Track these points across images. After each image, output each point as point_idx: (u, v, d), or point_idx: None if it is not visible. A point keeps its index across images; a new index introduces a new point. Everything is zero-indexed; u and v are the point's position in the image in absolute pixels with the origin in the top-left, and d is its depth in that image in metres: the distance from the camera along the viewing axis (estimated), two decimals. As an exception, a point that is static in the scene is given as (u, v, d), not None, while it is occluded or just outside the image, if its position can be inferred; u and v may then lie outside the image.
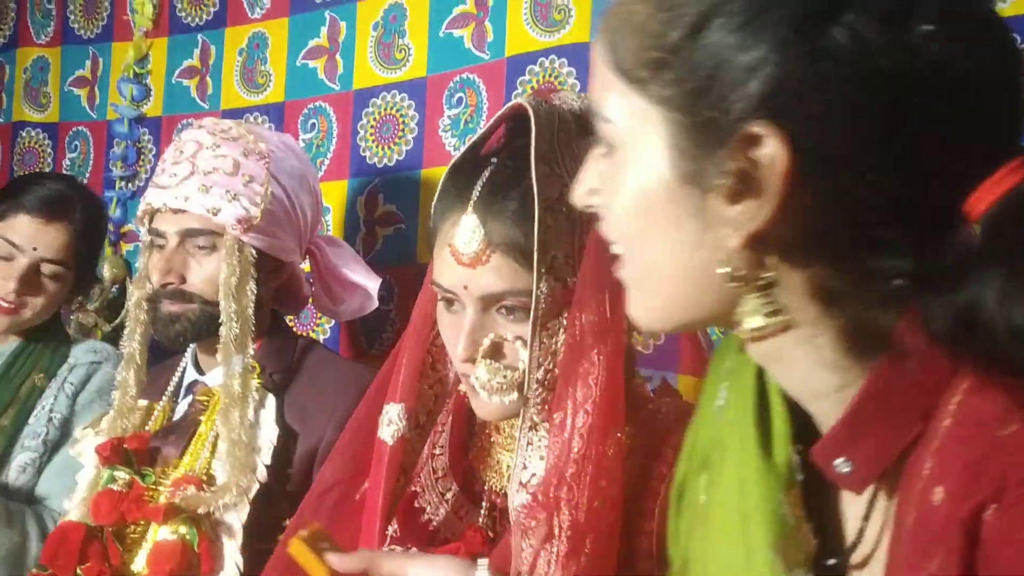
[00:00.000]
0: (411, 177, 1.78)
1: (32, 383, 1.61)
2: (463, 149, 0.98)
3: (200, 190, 1.30)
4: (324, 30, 1.92)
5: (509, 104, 0.95)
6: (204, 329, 1.34)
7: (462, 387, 1.09)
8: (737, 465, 0.64)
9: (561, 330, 0.92)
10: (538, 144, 0.90)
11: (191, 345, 1.43)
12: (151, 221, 1.36)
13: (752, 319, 0.56)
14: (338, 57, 1.90)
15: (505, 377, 0.93)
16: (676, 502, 0.76)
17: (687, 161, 0.54)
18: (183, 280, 1.33)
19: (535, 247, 0.89)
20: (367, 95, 1.85)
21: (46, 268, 1.60)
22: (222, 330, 1.30)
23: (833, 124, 0.50)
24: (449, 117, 1.75)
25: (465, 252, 0.92)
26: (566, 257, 0.92)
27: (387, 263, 1.78)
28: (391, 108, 1.83)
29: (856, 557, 0.59)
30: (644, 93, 0.55)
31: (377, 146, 1.84)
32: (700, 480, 0.71)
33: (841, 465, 0.56)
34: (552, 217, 0.90)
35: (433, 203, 0.99)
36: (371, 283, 1.56)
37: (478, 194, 0.93)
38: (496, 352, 0.95)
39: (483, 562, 0.87)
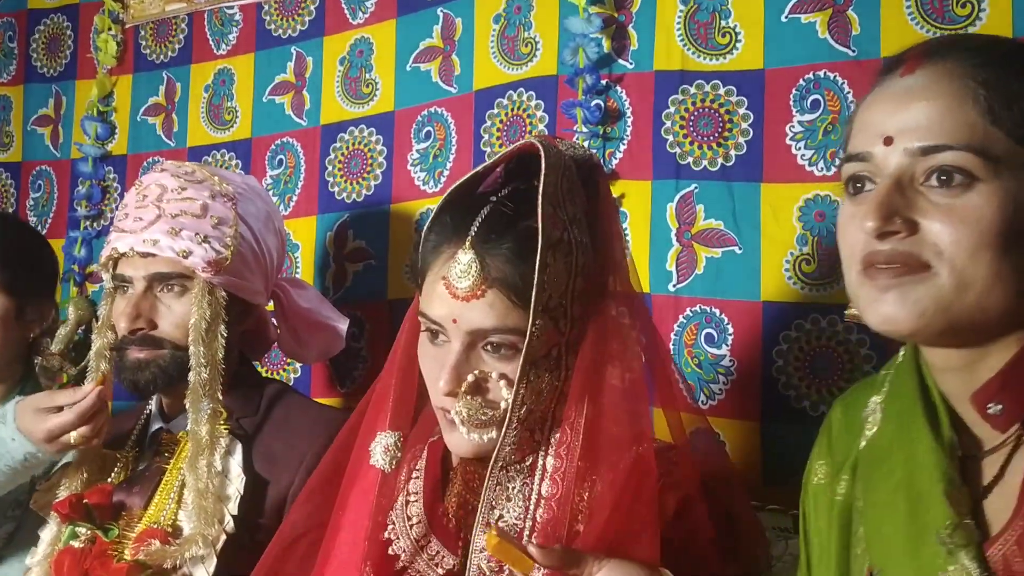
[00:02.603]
0: (381, 212, 1.76)
1: None
2: (466, 176, 0.99)
3: (169, 233, 1.28)
4: (290, 65, 1.90)
5: (521, 142, 0.97)
6: (174, 375, 1.30)
7: (434, 436, 1.07)
8: (909, 442, 0.81)
9: (547, 372, 0.94)
10: (546, 184, 0.91)
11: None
12: (115, 267, 1.33)
13: None
14: (305, 92, 1.88)
15: (485, 414, 0.94)
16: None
17: None
18: (153, 326, 1.30)
19: (534, 283, 0.90)
20: (335, 130, 1.84)
21: None
22: (191, 375, 1.27)
23: None
24: (418, 151, 1.74)
25: (460, 286, 0.93)
26: (560, 299, 0.93)
27: (358, 299, 1.75)
28: (359, 143, 1.81)
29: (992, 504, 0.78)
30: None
31: (346, 181, 1.82)
32: (839, 481, 0.89)
33: (993, 407, 0.75)
34: (553, 257, 0.91)
35: (423, 234, 0.99)
36: (339, 324, 1.54)
37: (476, 231, 0.94)
38: (478, 389, 0.95)
39: (667, 572, 0.87)
